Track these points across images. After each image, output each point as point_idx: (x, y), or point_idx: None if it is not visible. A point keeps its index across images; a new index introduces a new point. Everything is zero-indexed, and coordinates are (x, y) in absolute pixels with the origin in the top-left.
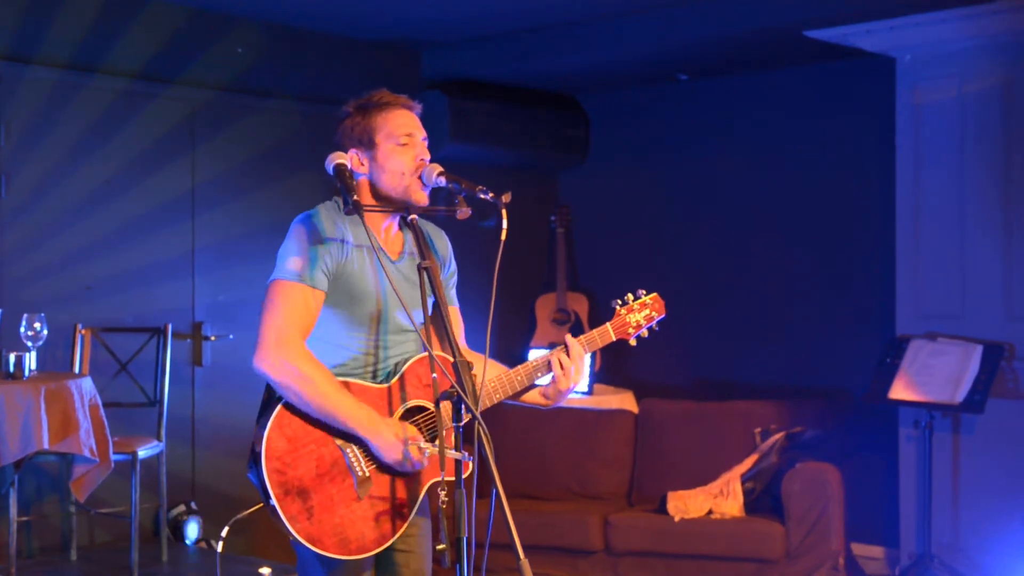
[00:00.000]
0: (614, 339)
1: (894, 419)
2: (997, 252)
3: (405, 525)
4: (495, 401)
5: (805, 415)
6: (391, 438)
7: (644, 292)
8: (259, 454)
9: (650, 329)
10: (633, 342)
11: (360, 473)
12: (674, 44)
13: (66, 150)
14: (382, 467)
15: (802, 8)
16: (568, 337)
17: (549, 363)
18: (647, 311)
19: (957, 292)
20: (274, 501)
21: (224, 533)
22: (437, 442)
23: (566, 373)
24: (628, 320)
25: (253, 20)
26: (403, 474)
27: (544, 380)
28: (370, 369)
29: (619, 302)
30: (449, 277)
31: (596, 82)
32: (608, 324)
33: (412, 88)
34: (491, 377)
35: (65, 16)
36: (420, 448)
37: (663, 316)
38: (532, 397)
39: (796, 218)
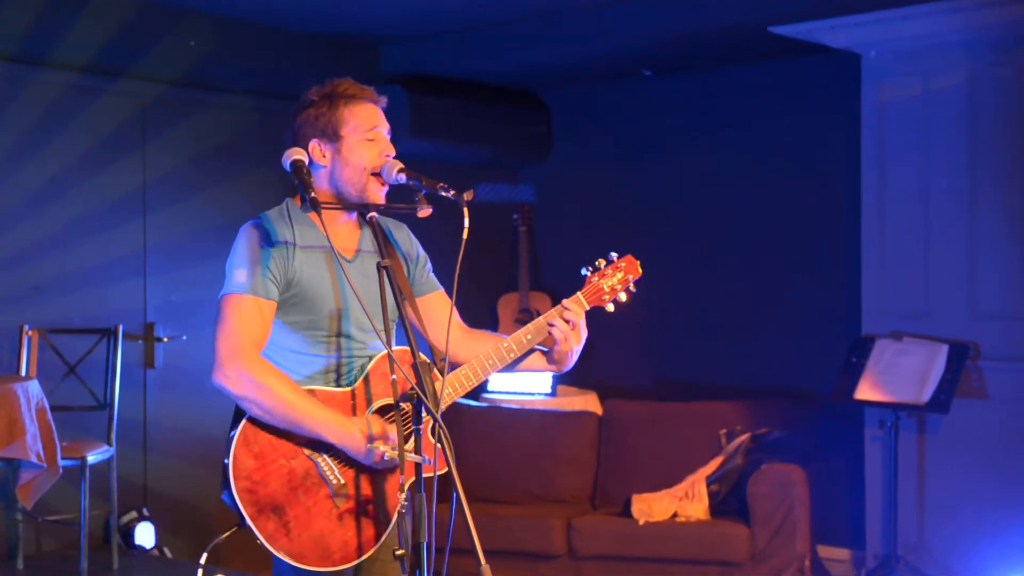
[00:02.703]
0: (587, 307)
1: (860, 419)
2: (962, 251)
3: (389, 529)
4: (489, 373)
5: (770, 416)
6: (360, 437)
7: (616, 255)
8: (227, 475)
9: (628, 292)
10: (610, 308)
11: (335, 481)
12: (638, 39)
13: (10, 146)
14: (358, 472)
15: (767, 4)
16: (564, 301)
17: (542, 328)
18: (621, 274)
19: (922, 291)
20: (249, 521)
21: (203, 560)
22: (398, 446)
23: (567, 336)
24: (602, 286)
25: (206, 12)
26: (380, 477)
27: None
28: (333, 374)
29: (590, 268)
30: (422, 264)
31: (559, 78)
32: (579, 293)
33: (370, 83)
34: (483, 350)
35: (9, 7)
36: (388, 447)
37: (639, 277)
38: (536, 363)
39: (761, 216)
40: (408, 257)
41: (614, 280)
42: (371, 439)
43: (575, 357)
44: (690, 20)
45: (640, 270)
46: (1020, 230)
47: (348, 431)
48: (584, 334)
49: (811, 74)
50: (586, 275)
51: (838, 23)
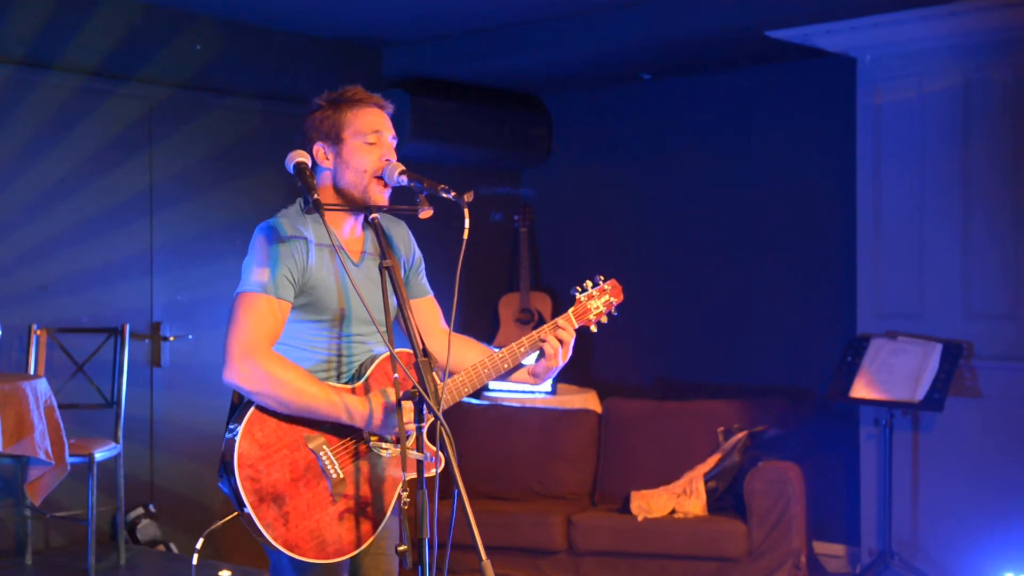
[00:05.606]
0: (576, 326)
1: (855, 418)
2: (956, 251)
3: (383, 524)
4: (484, 381)
5: (767, 414)
6: (379, 409)
7: (602, 278)
8: (231, 463)
9: (609, 315)
10: (594, 328)
11: (335, 475)
12: (636, 43)
13: (19, 148)
14: (357, 467)
15: (764, 8)
16: (557, 319)
17: (536, 343)
18: (606, 297)
19: (917, 291)
20: (249, 509)
21: (199, 545)
22: (399, 443)
23: (556, 353)
24: (589, 307)
25: (212, 16)
26: (379, 473)
27: (529, 360)
28: (334, 371)
29: (579, 289)
30: (416, 266)
31: (559, 81)
32: (570, 311)
33: (373, 86)
34: (477, 361)
35: (19, 12)
36: (391, 447)
37: (621, 301)
38: (519, 376)
39: (757, 218)
40: (404, 258)
41: (600, 303)
42: (388, 408)
43: (555, 373)
44: (688, 24)
45: (622, 295)
46: (1012, 231)
47: (364, 410)
48: (570, 353)
49: (807, 77)
50: (575, 295)
51: (834, 27)
